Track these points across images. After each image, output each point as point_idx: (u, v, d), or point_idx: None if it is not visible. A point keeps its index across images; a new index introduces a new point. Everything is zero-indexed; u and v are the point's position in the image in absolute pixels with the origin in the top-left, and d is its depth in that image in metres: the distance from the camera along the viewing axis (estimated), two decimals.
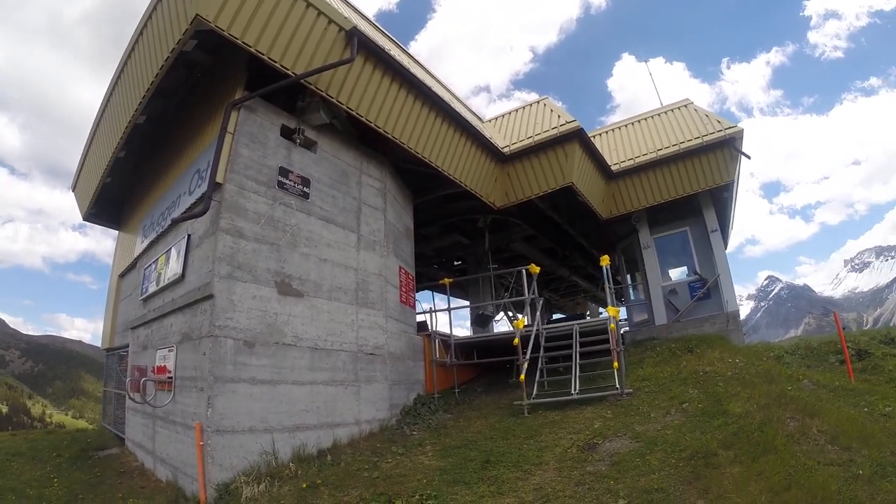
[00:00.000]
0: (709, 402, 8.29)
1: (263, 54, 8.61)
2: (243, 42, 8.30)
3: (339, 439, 9.24)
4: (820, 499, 4.95)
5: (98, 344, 17.91)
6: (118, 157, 12.39)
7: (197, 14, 7.68)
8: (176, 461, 8.57)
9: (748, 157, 14.96)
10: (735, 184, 15.77)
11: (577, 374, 10.68)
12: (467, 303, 22.15)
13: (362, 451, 8.95)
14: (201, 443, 7.42)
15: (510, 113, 17.14)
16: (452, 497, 6.45)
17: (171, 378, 8.94)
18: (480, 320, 19.58)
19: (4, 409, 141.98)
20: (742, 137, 14.75)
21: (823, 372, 10.40)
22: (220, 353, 7.82)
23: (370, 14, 14.39)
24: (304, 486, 7.30)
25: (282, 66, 8.87)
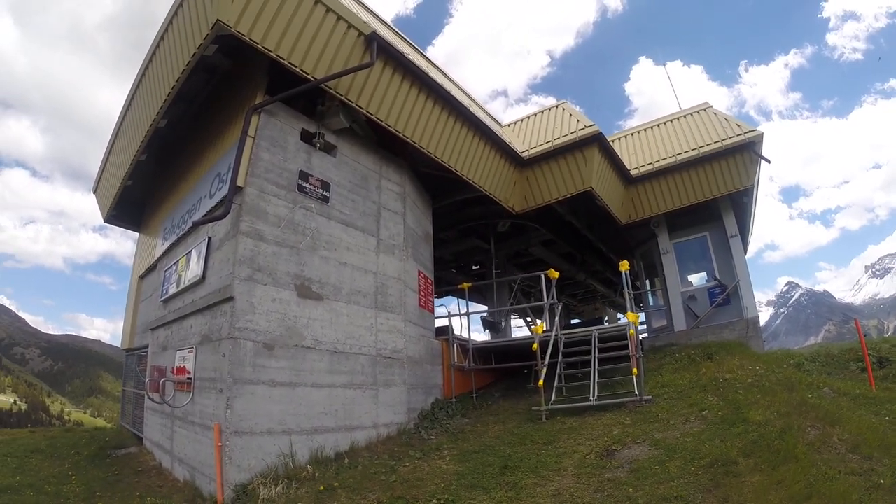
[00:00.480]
0: (728, 410, 8.22)
1: (283, 59, 8.65)
2: (263, 47, 8.35)
3: (357, 442, 9.26)
4: None
5: (117, 344, 18.09)
6: (139, 161, 12.49)
7: (217, 19, 7.73)
8: (194, 461, 8.62)
9: (768, 161, 14.86)
10: (755, 188, 15.66)
11: (596, 379, 10.62)
12: (485, 307, 22.16)
13: (380, 455, 8.97)
14: (219, 443, 7.47)
15: (529, 117, 17.13)
16: (470, 502, 6.45)
17: (190, 379, 9.00)
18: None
19: (24, 407, 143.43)
20: (762, 141, 14.65)
21: (844, 380, 10.31)
22: (239, 354, 7.87)
23: (388, 19, 14.45)
24: (322, 488, 7.31)
25: (302, 70, 8.91)
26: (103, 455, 11.45)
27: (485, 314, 17.31)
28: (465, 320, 15.09)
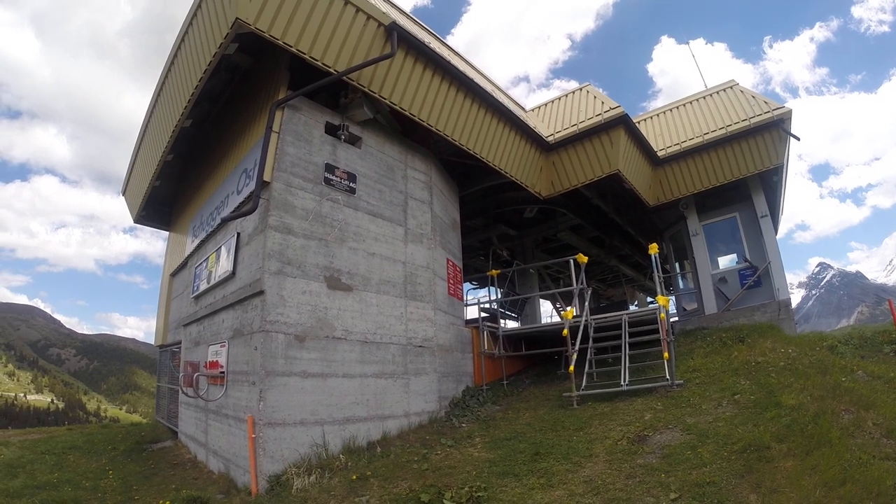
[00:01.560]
0: (761, 394, 8.14)
1: (304, 53, 8.68)
2: (284, 42, 8.38)
3: (389, 431, 9.32)
4: (875, 494, 4.85)
5: (150, 341, 18.38)
6: (166, 161, 12.68)
7: (237, 17, 7.77)
8: (228, 453, 8.75)
9: (797, 138, 14.58)
10: (784, 167, 15.41)
11: (627, 364, 10.55)
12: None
13: (412, 443, 9.02)
14: (253, 435, 7.56)
15: (553, 101, 17.00)
16: (502, 489, 6.47)
17: (223, 373, 9.12)
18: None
19: (61, 405, 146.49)
20: (791, 118, 14.38)
21: (878, 363, 10.13)
22: (271, 347, 7.95)
23: (406, 9, 14.41)
24: (355, 477, 7.38)
25: (323, 64, 8.92)
26: (139, 450, 11.67)
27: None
28: (494, 307, 15.08)
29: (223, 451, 8.99)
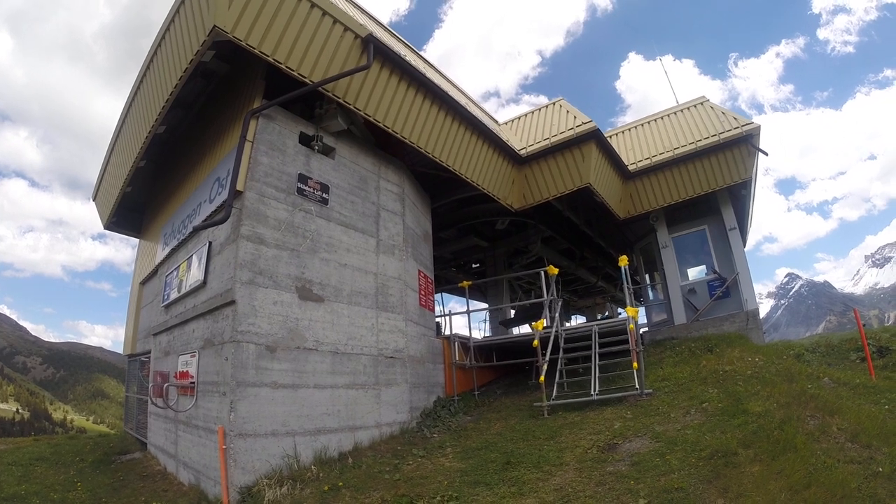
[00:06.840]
0: (729, 402, 8.26)
1: (281, 63, 8.69)
2: (260, 52, 8.39)
3: (360, 442, 9.31)
4: (840, 497, 4.96)
5: (119, 350, 18.15)
6: (139, 167, 12.54)
7: (214, 25, 7.77)
8: (198, 465, 8.67)
9: (766, 153, 14.87)
10: (753, 181, 15.68)
11: (597, 374, 10.65)
12: (485, 305, 22.20)
13: (383, 454, 9.02)
14: (224, 446, 7.49)
15: (525, 115, 17.15)
16: (474, 498, 6.50)
17: (193, 383, 9.05)
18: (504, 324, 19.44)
19: (26, 415, 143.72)
20: (759, 134, 14.67)
21: (844, 370, 10.34)
22: (242, 358, 7.92)
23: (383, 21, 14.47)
24: (326, 488, 7.37)
25: (299, 74, 8.95)
26: (108, 461, 11.51)
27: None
28: (466, 318, 15.15)
29: (193, 463, 8.91)
